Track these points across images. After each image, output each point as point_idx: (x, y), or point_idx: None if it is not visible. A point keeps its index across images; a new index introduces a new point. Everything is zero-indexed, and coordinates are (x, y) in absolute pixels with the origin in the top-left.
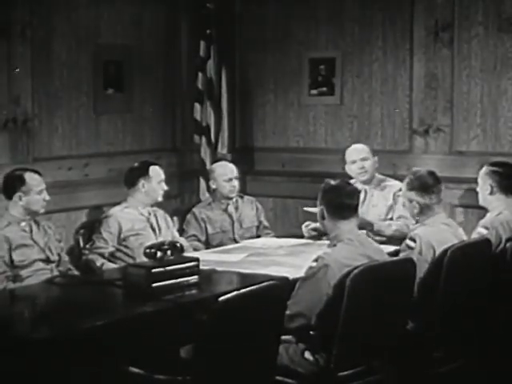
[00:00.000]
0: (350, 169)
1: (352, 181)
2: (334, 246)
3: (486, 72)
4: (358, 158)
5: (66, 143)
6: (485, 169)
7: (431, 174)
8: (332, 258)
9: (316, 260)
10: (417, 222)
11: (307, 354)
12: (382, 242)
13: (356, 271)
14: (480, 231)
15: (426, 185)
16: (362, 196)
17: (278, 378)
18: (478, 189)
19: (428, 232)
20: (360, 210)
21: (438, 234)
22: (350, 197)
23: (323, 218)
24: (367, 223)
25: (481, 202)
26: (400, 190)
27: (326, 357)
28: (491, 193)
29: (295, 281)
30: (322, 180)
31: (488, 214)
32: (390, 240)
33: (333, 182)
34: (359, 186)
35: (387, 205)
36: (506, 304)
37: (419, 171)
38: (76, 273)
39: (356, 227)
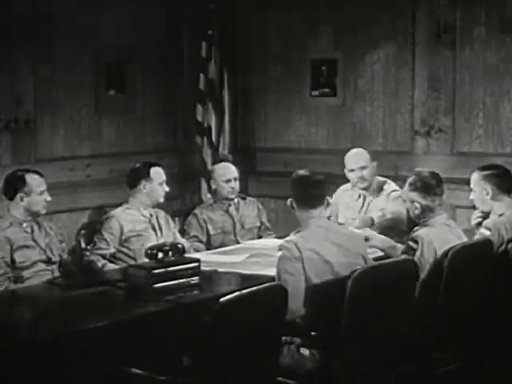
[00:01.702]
0: (349, 176)
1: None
2: (298, 232)
3: (488, 73)
4: (356, 167)
5: (68, 144)
6: (478, 175)
7: (434, 175)
8: (292, 244)
9: (280, 249)
10: (415, 224)
11: (302, 350)
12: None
13: (356, 272)
14: (482, 232)
15: (429, 186)
16: (360, 201)
17: (279, 378)
18: (472, 196)
19: (430, 233)
20: (359, 214)
21: (439, 234)
22: (315, 186)
23: (293, 208)
24: (368, 219)
25: (481, 210)
26: (393, 191)
27: (324, 354)
28: (492, 197)
29: None
30: None
31: (490, 216)
32: (386, 232)
33: (300, 173)
34: (358, 191)
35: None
36: (506, 305)
37: (422, 172)
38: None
39: (325, 216)
